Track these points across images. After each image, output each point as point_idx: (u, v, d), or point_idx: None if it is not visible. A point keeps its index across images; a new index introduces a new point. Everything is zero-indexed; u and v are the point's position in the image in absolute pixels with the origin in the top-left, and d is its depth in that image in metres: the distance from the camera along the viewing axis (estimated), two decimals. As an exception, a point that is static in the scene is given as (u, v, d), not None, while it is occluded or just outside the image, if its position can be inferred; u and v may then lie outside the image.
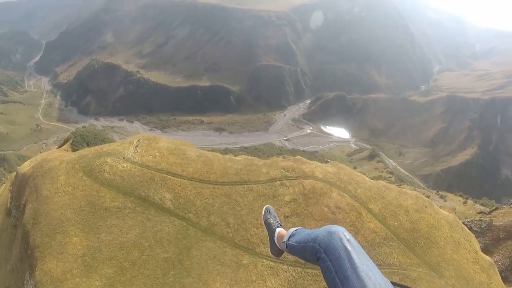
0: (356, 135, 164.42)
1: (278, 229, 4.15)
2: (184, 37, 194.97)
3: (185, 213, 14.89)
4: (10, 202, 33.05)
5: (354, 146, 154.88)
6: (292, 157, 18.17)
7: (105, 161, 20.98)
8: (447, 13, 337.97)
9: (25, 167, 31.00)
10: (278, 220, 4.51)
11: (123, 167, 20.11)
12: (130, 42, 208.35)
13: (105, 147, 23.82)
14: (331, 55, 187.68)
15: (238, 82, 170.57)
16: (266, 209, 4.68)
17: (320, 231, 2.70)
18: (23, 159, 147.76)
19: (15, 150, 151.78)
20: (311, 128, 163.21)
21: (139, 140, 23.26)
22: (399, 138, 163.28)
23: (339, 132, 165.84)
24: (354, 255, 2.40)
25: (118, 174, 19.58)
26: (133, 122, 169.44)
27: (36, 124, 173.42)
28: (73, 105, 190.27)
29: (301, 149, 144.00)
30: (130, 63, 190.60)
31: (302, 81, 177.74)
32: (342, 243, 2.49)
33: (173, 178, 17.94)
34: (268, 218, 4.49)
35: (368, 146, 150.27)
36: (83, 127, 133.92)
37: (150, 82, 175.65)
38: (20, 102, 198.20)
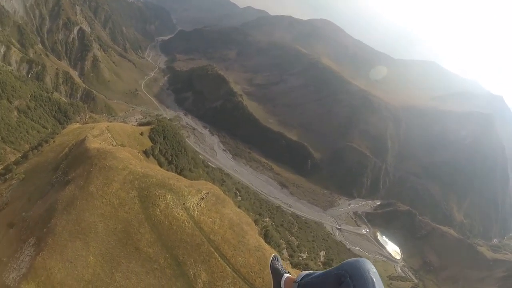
0: (407, 260, 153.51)
1: (286, 275, 4.51)
2: (294, 87, 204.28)
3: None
4: (62, 160, 31.84)
5: (400, 271, 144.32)
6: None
7: (165, 196, 18.82)
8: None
9: (94, 142, 29.43)
10: (284, 268, 4.81)
11: (178, 214, 17.75)
12: (246, 67, 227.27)
13: (173, 179, 21.50)
14: (419, 168, 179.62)
15: (322, 150, 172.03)
16: (274, 256, 4.97)
17: (346, 261, 3.17)
18: (108, 108, 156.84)
19: (106, 97, 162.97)
20: (367, 230, 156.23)
21: (208, 193, 20.92)
22: (448, 284, 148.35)
23: (393, 248, 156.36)
24: (377, 287, 2.88)
25: (169, 219, 17.22)
26: (213, 135, 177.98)
27: (135, 88, 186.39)
28: (174, 92, 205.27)
29: (347, 247, 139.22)
30: (238, 85, 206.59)
31: (381, 180, 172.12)
32: (369, 273, 2.94)
33: (219, 258, 15.61)
34: (276, 264, 4.77)
35: (414, 279, 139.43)
36: (170, 119, 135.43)
37: (246, 110, 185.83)
38: (133, 63, 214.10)
